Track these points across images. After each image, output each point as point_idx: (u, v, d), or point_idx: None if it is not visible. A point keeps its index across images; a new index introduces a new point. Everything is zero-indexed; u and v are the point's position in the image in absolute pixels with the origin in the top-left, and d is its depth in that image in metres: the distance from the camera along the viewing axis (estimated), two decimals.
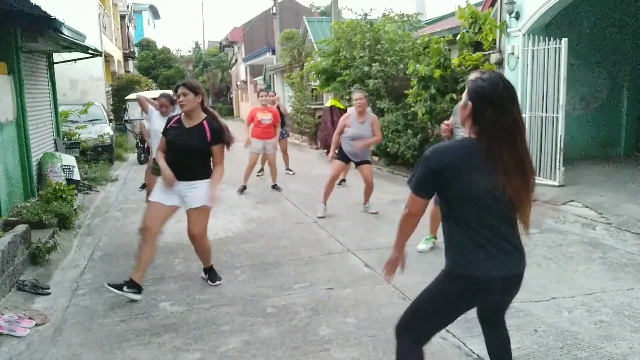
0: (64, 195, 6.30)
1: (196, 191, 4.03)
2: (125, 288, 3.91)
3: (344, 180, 8.46)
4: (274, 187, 8.48)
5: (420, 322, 2.28)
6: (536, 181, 7.15)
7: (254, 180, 9.10)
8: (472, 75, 2.18)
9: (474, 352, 3.08)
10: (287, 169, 10.19)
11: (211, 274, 4.35)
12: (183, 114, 4.08)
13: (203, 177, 4.05)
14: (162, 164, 4.03)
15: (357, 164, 6.61)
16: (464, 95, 2.13)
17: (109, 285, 3.93)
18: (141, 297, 3.98)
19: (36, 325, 3.56)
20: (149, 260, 4.06)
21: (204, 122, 4.02)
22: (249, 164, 8.28)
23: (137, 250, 4.18)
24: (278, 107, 10.38)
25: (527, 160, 2.09)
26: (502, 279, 2.12)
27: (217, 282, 4.27)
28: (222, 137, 4.01)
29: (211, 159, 4.08)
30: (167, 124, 4.16)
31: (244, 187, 8.29)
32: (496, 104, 2.03)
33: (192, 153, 4.02)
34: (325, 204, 6.62)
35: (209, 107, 4.26)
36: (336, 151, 6.61)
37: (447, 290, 2.17)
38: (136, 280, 3.95)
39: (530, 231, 2.21)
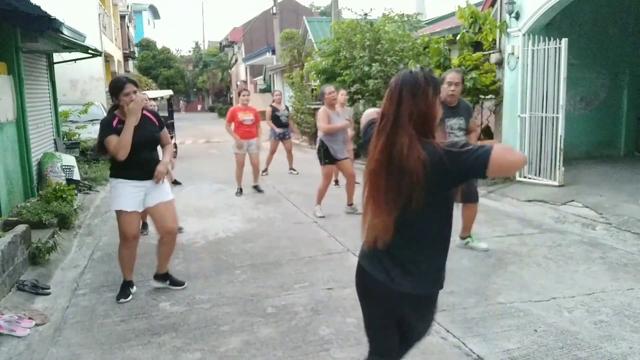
0: (64, 195, 6.30)
1: (162, 185, 4.02)
2: (130, 290, 4.09)
3: (336, 181, 8.42)
4: (255, 187, 8.29)
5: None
6: (536, 181, 7.13)
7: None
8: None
9: (473, 352, 3.08)
10: (291, 168, 10.21)
11: (172, 278, 4.25)
12: (120, 112, 3.84)
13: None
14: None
15: (339, 161, 6.54)
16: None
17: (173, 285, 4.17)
18: (135, 289, 4.17)
19: (36, 325, 3.56)
20: (133, 261, 4.15)
21: (145, 112, 3.95)
22: (237, 167, 8.11)
23: (156, 250, 4.28)
24: (287, 108, 10.45)
25: None
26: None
27: (182, 287, 4.21)
28: (161, 120, 4.09)
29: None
30: (108, 126, 3.81)
31: (241, 190, 8.15)
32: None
33: (149, 146, 3.97)
34: (319, 204, 6.62)
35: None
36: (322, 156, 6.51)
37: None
38: (130, 279, 4.12)
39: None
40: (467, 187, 4.88)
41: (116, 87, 3.80)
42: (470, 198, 4.88)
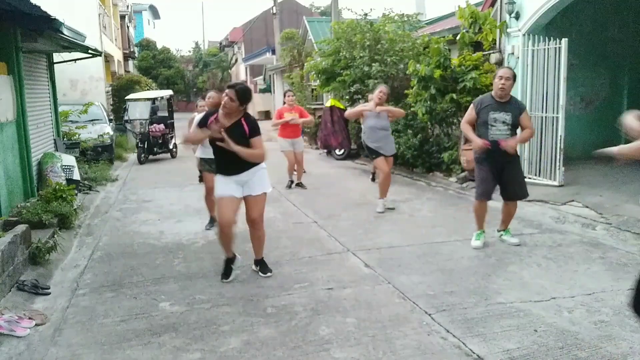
0: (64, 195, 6.30)
1: (255, 177, 4.30)
2: (233, 267, 4.45)
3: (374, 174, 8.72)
4: (299, 184, 8.72)
5: None
6: (536, 181, 7.16)
7: None
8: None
9: (474, 352, 3.08)
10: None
11: (262, 265, 4.55)
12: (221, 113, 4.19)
13: (257, 164, 4.31)
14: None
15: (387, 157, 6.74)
16: None
17: (224, 279, 4.38)
18: (240, 257, 4.58)
19: (36, 325, 3.56)
20: (231, 241, 4.44)
21: (242, 119, 4.20)
22: (289, 163, 8.59)
23: (219, 240, 4.49)
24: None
25: None
26: None
27: (268, 274, 4.46)
28: (257, 131, 4.25)
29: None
30: (206, 120, 4.22)
31: (292, 182, 8.64)
32: None
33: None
34: (384, 198, 6.69)
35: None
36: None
37: None
38: (232, 255, 4.47)
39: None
40: (518, 187, 5.07)
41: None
42: (517, 196, 5.13)
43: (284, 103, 10.31)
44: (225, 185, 4.29)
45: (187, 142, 5.11)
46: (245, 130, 4.16)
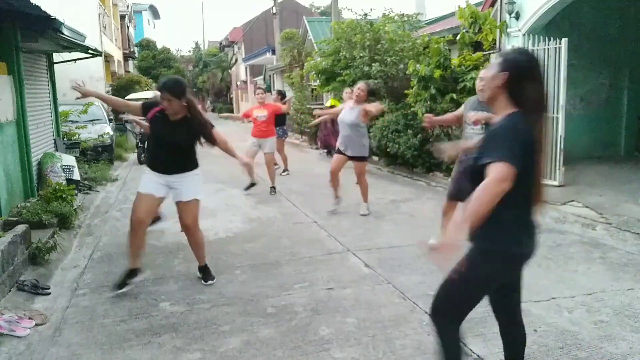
0: (64, 195, 6.30)
1: (186, 184, 4.06)
2: (128, 280, 4.12)
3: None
4: (272, 188, 8.17)
5: (456, 305, 2.33)
6: None
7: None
8: (506, 51, 2.26)
9: (474, 352, 3.08)
10: (285, 169, 10.19)
11: (204, 272, 4.37)
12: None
13: (191, 169, 4.11)
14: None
15: (351, 158, 6.52)
16: (496, 66, 2.13)
17: (116, 289, 4.07)
18: (145, 274, 4.30)
19: (36, 325, 3.56)
20: (140, 247, 4.14)
21: (187, 114, 3.94)
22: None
23: (128, 241, 4.21)
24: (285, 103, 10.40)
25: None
26: (528, 255, 2.24)
27: (210, 282, 4.29)
28: (206, 130, 3.98)
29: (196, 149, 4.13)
30: (150, 112, 4.03)
31: (252, 184, 7.78)
32: (532, 75, 2.07)
33: (177, 146, 4.01)
34: (338, 196, 6.66)
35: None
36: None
37: (486, 268, 2.22)
38: (135, 266, 4.14)
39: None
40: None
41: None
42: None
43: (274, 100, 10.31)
44: (149, 182, 4.08)
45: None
46: (191, 125, 3.95)
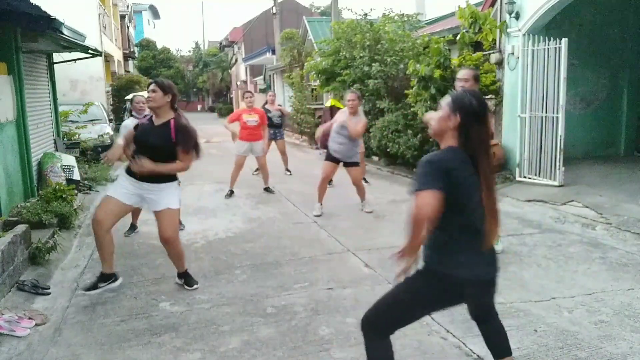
0: (64, 195, 6.29)
1: (161, 193, 3.96)
2: (100, 284, 4.02)
3: (330, 180, 8.40)
4: (266, 189, 8.23)
5: (387, 318, 2.36)
6: (536, 181, 7.07)
7: (255, 181, 9.11)
8: (458, 90, 2.36)
9: (474, 352, 3.08)
10: (286, 169, 10.19)
11: (187, 278, 4.25)
12: (152, 111, 4.04)
13: (167, 180, 3.99)
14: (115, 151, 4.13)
15: (345, 165, 6.66)
16: (446, 107, 2.23)
17: (84, 290, 4.03)
18: (121, 280, 4.15)
19: (36, 325, 3.56)
20: (111, 252, 4.05)
21: (171, 121, 3.91)
22: (234, 168, 7.96)
23: (96, 246, 4.18)
24: (280, 108, 10.38)
25: (494, 175, 2.26)
26: (477, 281, 2.26)
27: (195, 286, 4.18)
28: (186, 139, 3.86)
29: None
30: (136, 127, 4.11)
31: (231, 192, 7.93)
32: (481, 119, 2.20)
33: (156, 152, 3.88)
34: (320, 203, 6.69)
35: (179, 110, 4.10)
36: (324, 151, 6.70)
37: (425, 287, 2.27)
38: (107, 272, 4.03)
39: (494, 242, 2.28)
40: None
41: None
42: None
43: (266, 103, 10.31)
44: (120, 188, 3.99)
45: (108, 161, 4.35)
46: (171, 134, 3.85)
